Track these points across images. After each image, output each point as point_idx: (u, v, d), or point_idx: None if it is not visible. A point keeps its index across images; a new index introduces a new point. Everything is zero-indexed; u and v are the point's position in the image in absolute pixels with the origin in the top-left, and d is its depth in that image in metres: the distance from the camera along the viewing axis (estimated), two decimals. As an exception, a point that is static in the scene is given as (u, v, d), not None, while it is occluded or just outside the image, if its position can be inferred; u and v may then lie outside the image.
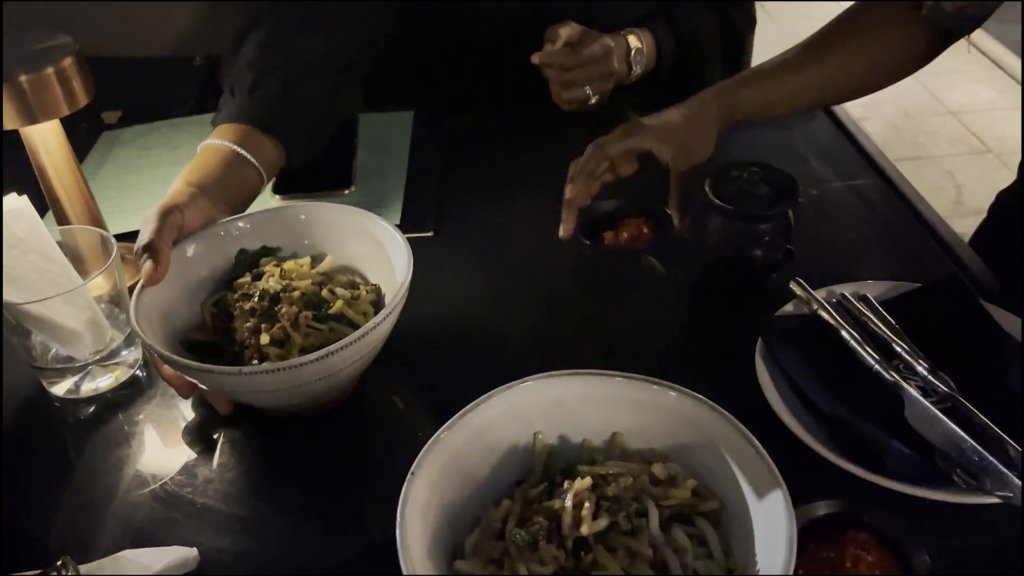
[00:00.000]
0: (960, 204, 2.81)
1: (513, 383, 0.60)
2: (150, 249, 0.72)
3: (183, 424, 0.75)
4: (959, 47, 0.85)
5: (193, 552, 0.63)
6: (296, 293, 0.71)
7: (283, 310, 0.70)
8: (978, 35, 3.64)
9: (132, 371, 0.80)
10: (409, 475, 0.54)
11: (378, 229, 0.77)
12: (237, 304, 0.72)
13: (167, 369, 0.73)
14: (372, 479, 0.68)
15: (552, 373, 0.60)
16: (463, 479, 0.58)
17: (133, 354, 0.80)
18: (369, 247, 0.77)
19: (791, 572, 0.47)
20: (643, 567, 0.52)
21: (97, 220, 0.88)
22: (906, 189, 0.98)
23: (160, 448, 0.74)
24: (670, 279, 0.88)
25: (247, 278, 0.75)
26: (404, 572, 0.49)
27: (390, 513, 0.52)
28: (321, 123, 0.95)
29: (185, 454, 0.72)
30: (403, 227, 0.95)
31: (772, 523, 0.51)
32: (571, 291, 0.89)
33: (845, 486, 0.62)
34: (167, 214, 0.74)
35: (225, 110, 0.89)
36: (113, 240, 0.77)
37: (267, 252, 0.79)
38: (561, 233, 0.84)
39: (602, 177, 0.85)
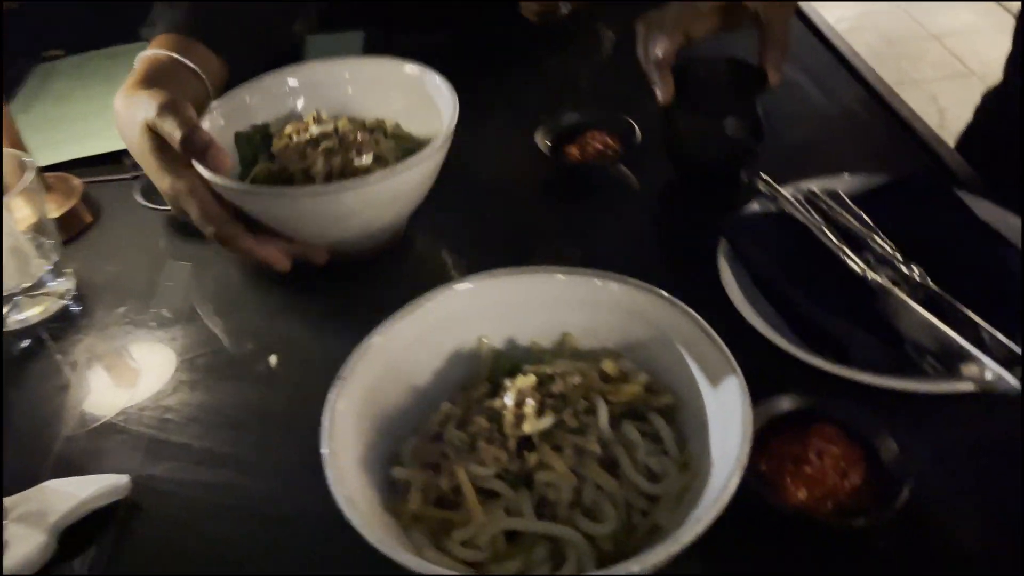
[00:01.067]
0: (943, 128, 2.75)
1: (451, 283, 0.56)
2: (198, 141, 0.65)
3: (119, 356, 0.71)
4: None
5: (124, 479, 0.59)
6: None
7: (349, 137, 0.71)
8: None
9: (63, 303, 0.75)
10: (337, 379, 0.50)
11: (422, 78, 0.76)
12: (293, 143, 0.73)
13: (248, 242, 0.68)
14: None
15: (493, 272, 0.56)
16: (402, 386, 0.54)
17: (63, 284, 0.76)
18: (411, 100, 0.77)
19: (745, 456, 0.44)
20: (591, 465, 0.48)
21: (18, 147, 0.82)
22: (880, 88, 0.93)
23: (95, 381, 0.69)
24: (642, 189, 0.83)
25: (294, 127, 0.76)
26: (329, 482, 0.45)
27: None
28: (262, 36, 0.89)
29: (122, 387, 0.68)
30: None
31: (727, 411, 0.47)
32: (537, 206, 0.84)
33: (812, 383, 0.59)
34: (177, 104, 0.68)
35: (161, 21, 0.82)
36: (32, 162, 0.72)
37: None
38: (661, 98, 0.75)
39: (688, 30, 0.76)
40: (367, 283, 0.74)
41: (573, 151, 0.83)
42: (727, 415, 0.47)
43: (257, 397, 0.66)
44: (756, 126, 0.77)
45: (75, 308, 0.76)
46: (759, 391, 0.56)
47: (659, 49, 0.75)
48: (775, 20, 0.75)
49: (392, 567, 0.42)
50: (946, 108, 2.89)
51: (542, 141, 0.82)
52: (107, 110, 0.90)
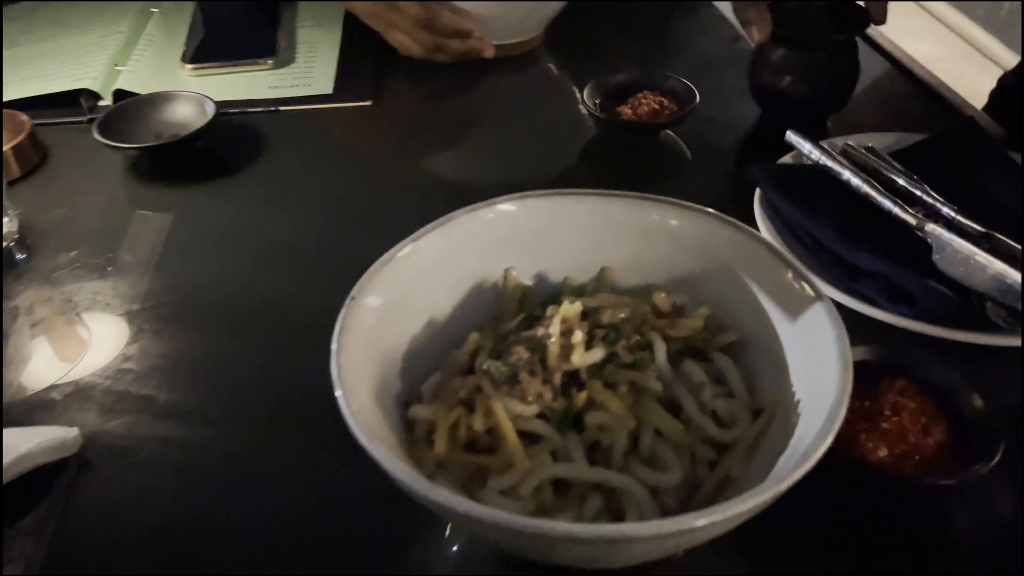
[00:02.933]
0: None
1: (475, 205, 0.48)
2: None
3: (70, 302, 0.61)
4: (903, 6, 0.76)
5: (73, 432, 0.49)
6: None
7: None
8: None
9: (3, 246, 0.65)
10: (349, 299, 0.41)
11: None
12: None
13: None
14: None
15: (523, 194, 0.48)
16: (418, 317, 0.45)
17: (5, 226, 0.66)
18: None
19: (847, 397, 0.36)
20: (651, 405, 0.41)
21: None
22: (902, 57, 0.89)
23: (42, 329, 0.59)
24: (693, 154, 0.76)
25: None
26: (344, 410, 0.36)
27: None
28: None
29: (71, 336, 0.59)
30: (336, 97, 0.83)
31: (813, 347, 0.40)
32: (571, 171, 0.76)
33: (872, 339, 0.53)
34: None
35: None
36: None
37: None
38: (758, 35, 0.71)
39: None
40: (355, 238, 0.65)
41: (624, 110, 0.76)
42: (813, 352, 0.40)
43: (229, 347, 0.57)
44: (853, 65, 0.74)
45: (20, 255, 0.66)
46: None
47: None
48: None
49: (381, 524, 0.34)
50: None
51: (591, 98, 0.75)
52: (59, 53, 0.81)
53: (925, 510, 0.45)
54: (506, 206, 0.47)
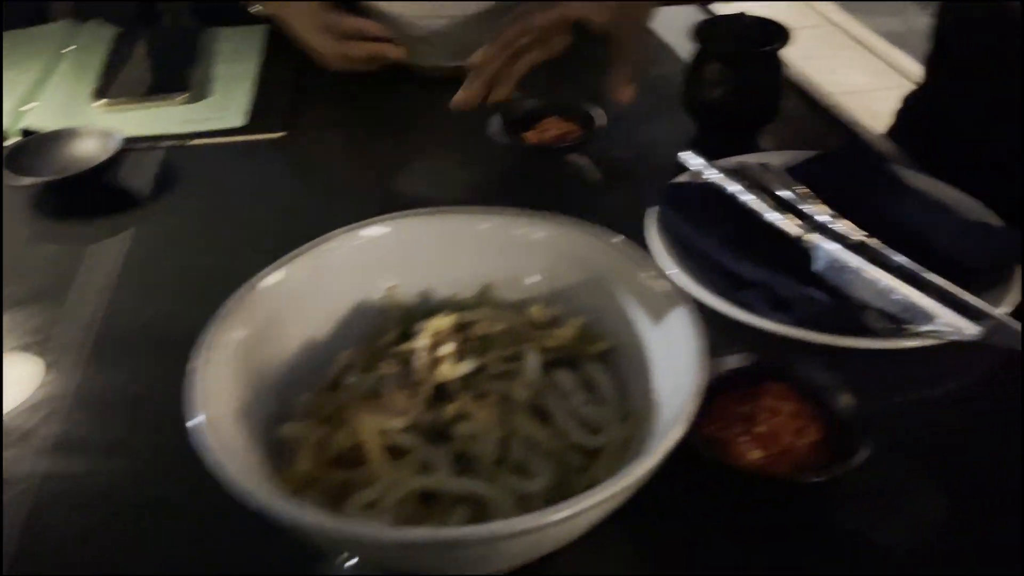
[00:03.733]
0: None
1: (355, 224, 0.48)
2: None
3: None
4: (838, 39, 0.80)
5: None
6: None
7: None
8: (852, 24, 3.73)
9: None
10: (216, 319, 0.41)
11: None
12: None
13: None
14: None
15: (405, 213, 0.49)
16: (293, 340, 0.45)
17: None
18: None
19: (698, 389, 0.37)
20: (519, 414, 0.41)
21: None
22: (799, 79, 0.92)
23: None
24: (604, 175, 0.77)
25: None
26: (195, 431, 0.36)
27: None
28: None
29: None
30: (249, 129, 0.84)
31: (673, 346, 0.41)
32: (480, 195, 0.76)
33: (756, 346, 0.54)
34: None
35: None
36: None
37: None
38: (456, 99, 0.71)
39: (528, 54, 0.72)
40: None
41: (530, 136, 0.77)
42: (673, 351, 0.41)
43: (127, 378, 0.56)
44: (777, 80, 0.78)
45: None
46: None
47: (484, 56, 0.71)
48: (625, 38, 0.72)
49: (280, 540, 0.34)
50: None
51: (498, 125, 0.76)
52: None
53: (798, 508, 0.46)
54: (375, 229, 0.48)
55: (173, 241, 0.70)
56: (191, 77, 0.91)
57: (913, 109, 0.96)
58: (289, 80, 0.91)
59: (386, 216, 0.49)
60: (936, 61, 0.89)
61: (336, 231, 0.48)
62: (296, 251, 0.46)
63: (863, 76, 3.59)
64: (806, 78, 0.93)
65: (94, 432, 0.52)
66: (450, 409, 0.41)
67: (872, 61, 3.64)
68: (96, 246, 0.70)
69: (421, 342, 0.42)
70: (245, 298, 0.43)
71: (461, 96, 0.72)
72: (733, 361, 0.51)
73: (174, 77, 0.91)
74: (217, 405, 0.38)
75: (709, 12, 1.04)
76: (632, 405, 0.44)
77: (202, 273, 0.65)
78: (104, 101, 0.87)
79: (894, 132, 0.97)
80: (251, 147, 0.83)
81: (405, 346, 0.43)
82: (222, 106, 0.87)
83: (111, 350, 0.59)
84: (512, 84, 0.73)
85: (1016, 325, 0.51)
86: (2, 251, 0.63)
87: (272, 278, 0.45)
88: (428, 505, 0.39)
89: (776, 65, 0.78)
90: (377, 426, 0.40)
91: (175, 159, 0.81)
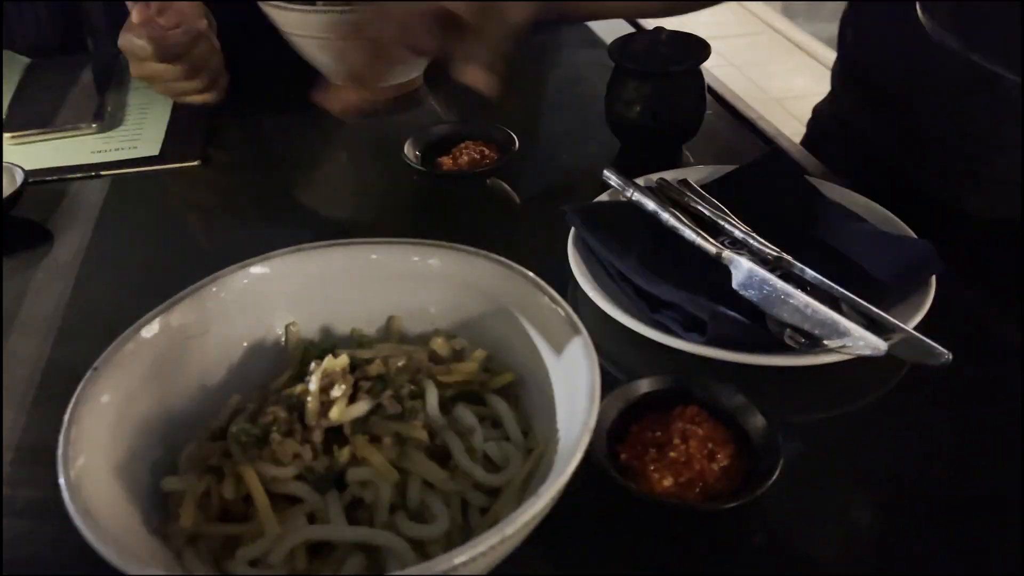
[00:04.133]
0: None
1: (247, 262, 0.46)
2: None
3: None
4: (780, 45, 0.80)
5: None
6: None
7: None
8: (793, 30, 3.79)
9: None
10: (90, 371, 0.39)
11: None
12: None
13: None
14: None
15: (302, 246, 0.48)
16: (181, 386, 0.43)
17: None
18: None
19: (592, 420, 0.36)
20: (416, 457, 0.40)
21: None
22: (723, 91, 0.93)
23: None
24: (521, 198, 0.76)
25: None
26: (66, 500, 0.34)
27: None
28: None
29: None
30: (164, 158, 0.81)
31: (573, 377, 0.40)
32: (398, 222, 0.75)
33: (673, 367, 0.54)
34: None
35: None
36: None
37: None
38: (333, 104, 0.64)
39: (396, 54, 0.69)
40: (145, 288, 0.63)
41: (446, 161, 0.76)
42: (573, 382, 0.40)
43: (12, 421, 0.53)
44: (699, 96, 0.78)
45: None
46: (616, 380, 0.51)
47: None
48: (485, 26, 0.65)
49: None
50: (791, 163, 3.07)
51: (411, 151, 0.75)
52: None
53: (711, 534, 0.45)
54: (270, 265, 0.46)
55: (79, 278, 0.67)
56: (104, 105, 0.88)
57: (821, 118, 0.97)
58: (204, 108, 0.89)
59: (281, 251, 0.47)
60: (841, 70, 0.90)
61: (227, 269, 0.46)
62: (182, 293, 0.44)
63: (804, 80, 3.66)
64: (730, 90, 0.94)
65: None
66: (343, 454, 0.39)
67: (813, 65, 3.72)
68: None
69: (311, 384, 0.41)
70: (124, 346, 0.41)
71: (335, 103, 0.64)
72: (646, 385, 0.51)
73: (85, 106, 0.88)
74: (91, 462, 0.36)
75: (636, 26, 1.04)
76: (535, 438, 0.42)
77: (110, 311, 0.63)
78: (12, 134, 0.83)
79: (806, 142, 0.98)
80: (165, 177, 0.80)
81: (294, 389, 0.41)
82: (136, 136, 0.85)
83: (22, 392, 0.56)
84: (377, 80, 0.65)
85: (924, 339, 0.51)
86: (2, 258, 0.62)
87: (156, 323, 0.42)
88: (322, 555, 0.38)
89: (696, 80, 0.78)
90: (265, 475, 0.38)
91: (85, 191, 0.78)
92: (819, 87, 0.98)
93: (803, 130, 0.99)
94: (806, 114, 0.99)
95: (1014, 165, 0.70)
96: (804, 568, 0.44)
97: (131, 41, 0.78)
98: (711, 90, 0.94)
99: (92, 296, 0.65)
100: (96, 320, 0.62)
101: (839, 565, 0.44)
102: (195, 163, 0.81)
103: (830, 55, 0.91)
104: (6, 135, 0.84)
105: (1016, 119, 0.68)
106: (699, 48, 0.77)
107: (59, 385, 0.55)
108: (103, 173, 0.80)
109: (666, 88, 0.76)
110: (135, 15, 0.77)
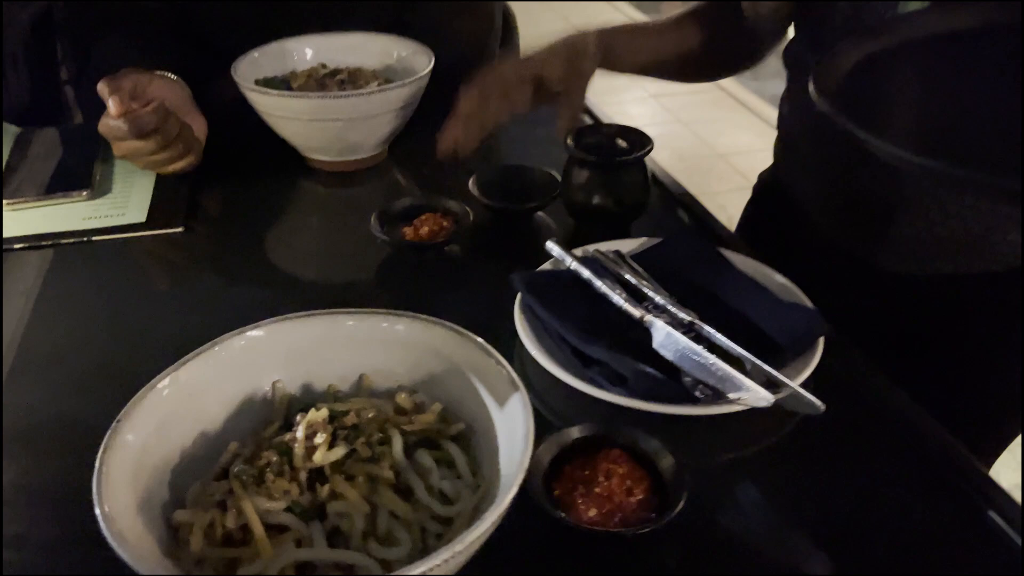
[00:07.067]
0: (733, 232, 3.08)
1: (243, 328, 0.55)
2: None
3: None
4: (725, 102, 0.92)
5: None
6: None
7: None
8: (738, 88, 3.95)
9: None
10: (115, 423, 0.48)
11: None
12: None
13: None
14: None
15: (287, 316, 0.57)
16: (189, 434, 0.52)
17: None
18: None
19: (526, 459, 0.46)
20: (385, 492, 0.49)
21: None
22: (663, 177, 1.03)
23: None
24: (475, 265, 0.86)
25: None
26: (103, 528, 0.42)
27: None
28: None
29: None
30: (149, 224, 0.89)
31: (513, 426, 0.50)
32: (365, 287, 0.84)
33: (602, 415, 0.63)
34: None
35: None
36: None
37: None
38: (444, 146, 0.79)
39: (498, 103, 0.80)
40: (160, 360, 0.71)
41: (408, 231, 0.85)
42: (513, 430, 0.49)
43: (27, 473, 0.61)
44: (644, 181, 0.88)
45: None
46: (553, 426, 0.60)
47: (467, 105, 0.80)
48: (571, 91, 0.84)
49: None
50: (734, 216, 3.22)
51: (377, 223, 0.84)
52: None
53: (629, 558, 0.54)
54: (259, 331, 0.55)
55: (72, 339, 0.75)
56: (93, 173, 0.96)
57: (766, 186, 1.08)
58: (188, 175, 0.97)
59: (271, 320, 0.56)
60: (779, 143, 1.02)
61: (225, 335, 0.54)
62: (190, 355, 0.53)
63: (748, 136, 3.86)
64: (669, 176, 1.05)
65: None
66: (324, 490, 0.48)
67: (757, 123, 3.93)
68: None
69: (298, 433, 0.49)
70: (143, 400, 0.49)
71: (448, 141, 0.79)
72: (578, 431, 0.60)
73: (76, 174, 0.96)
74: (117, 499, 0.44)
75: (592, 116, 1.15)
76: (483, 477, 0.52)
77: (100, 370, 0.70)
78: (6, 201, 0.91)
79: (751, 211, 1.10)
80: (150, 242, 0.88)
81: (284, 437, 0.50)
82: (123, 202, 0.93)
83: (8, 445, 0.62)
84: (483, 132, 0.80)
85: (804, 393, 0.62)
86: (2, 268, 0.67)
87: (168, 380, 0.51)
88: (307, 574, 0.46)
89: (639, 169, 0.88)
90: (261, 509, 0.46)
91: (76, 257, 0.85)
92: (763, 143, 1.08)
93: (747, 184, 1.09)
94: (750, 169, 1.09)
95: (913, 222, 0.81)
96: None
97: (108, 124, 0.86)
98: (655, 177, 1.06)
99: (84, 356, 0.72)
100: (90, 377, 0.69)
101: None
102: (179, 229, 0.89)
103: (773, 113, 1.02)
104: (5, 201, 0.91)
105: (904, 181, 0.79)
106: (643, 140, 0.87)
107: (64, 439, 0.62)
108: (93, 239, 0.87)
109: (613, 176, 0.86)
110: (113, 108, 0.84)
